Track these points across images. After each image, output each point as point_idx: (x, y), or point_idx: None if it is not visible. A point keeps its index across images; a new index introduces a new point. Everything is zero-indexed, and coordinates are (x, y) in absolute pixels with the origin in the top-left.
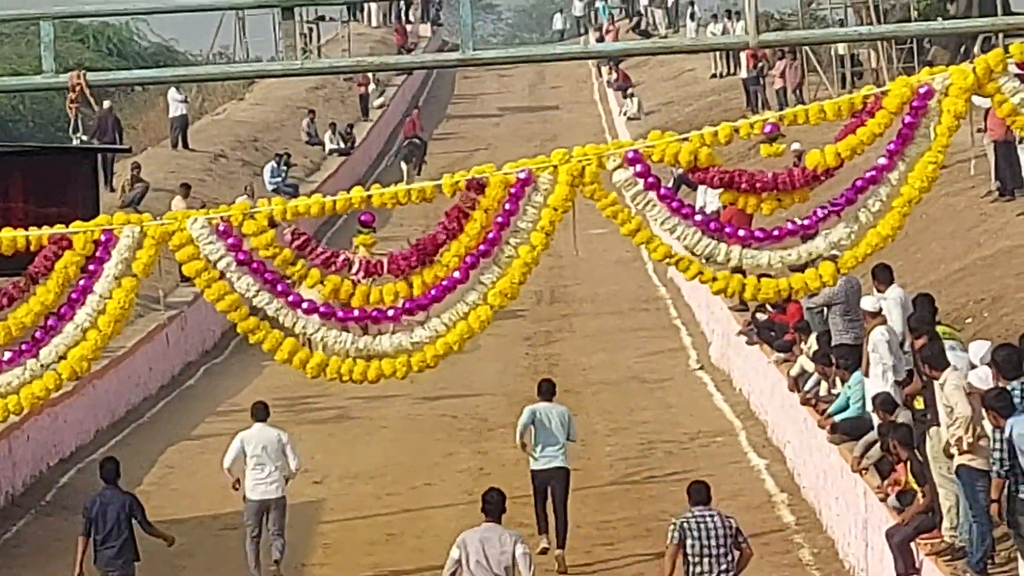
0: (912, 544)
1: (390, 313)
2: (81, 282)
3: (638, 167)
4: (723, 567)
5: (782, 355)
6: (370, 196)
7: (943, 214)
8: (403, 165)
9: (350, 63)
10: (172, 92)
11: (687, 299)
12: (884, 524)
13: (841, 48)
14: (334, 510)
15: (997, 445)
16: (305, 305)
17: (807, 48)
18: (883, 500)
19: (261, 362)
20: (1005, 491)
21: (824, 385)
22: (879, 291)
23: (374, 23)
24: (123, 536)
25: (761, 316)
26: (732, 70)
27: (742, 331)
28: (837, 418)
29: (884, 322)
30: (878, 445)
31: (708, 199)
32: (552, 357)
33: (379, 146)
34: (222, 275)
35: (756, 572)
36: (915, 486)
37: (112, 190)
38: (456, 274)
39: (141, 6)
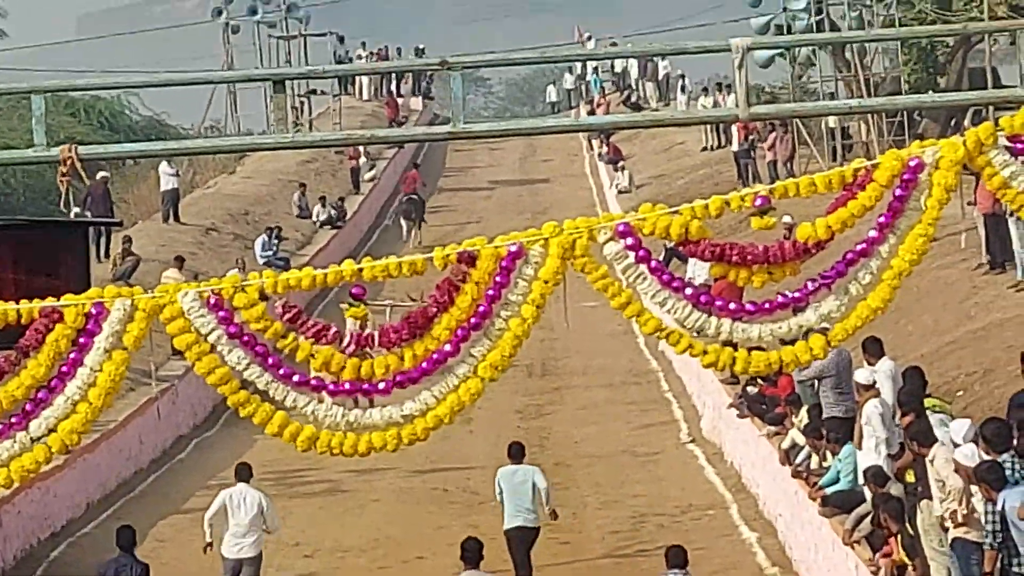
0: None
1: (381, 386)
2: (72, 355)
3: (629, 240)
4: None
5: (773, 428)
6: (361, 269)
7: (934, 287)
8: (403, 223)
9: (341, 136)
10: (163, 166)
11: (678, 372)
12: None
13: (832, 121)
14: None
15: (990, 517)
16: (296, 378)
17: (798, 121)
18: (875, 573)
19: (252, 435)
20: (998, 564)
21: (815, 458)
22: (870, 364)
23: (365, 96)
24: None
25: (752, 389)
26: (723, 143)
27: (733, 404)
28: (828, 491)
29: (878, 395)
30: (869, 518)
31: (696, 271)
32: (543, 430)
33: (370, 219)
34: (213, 348)
35: None
36: (906, 560)
37: (107, 258)
38: (447, 347)
39: (132, 80)
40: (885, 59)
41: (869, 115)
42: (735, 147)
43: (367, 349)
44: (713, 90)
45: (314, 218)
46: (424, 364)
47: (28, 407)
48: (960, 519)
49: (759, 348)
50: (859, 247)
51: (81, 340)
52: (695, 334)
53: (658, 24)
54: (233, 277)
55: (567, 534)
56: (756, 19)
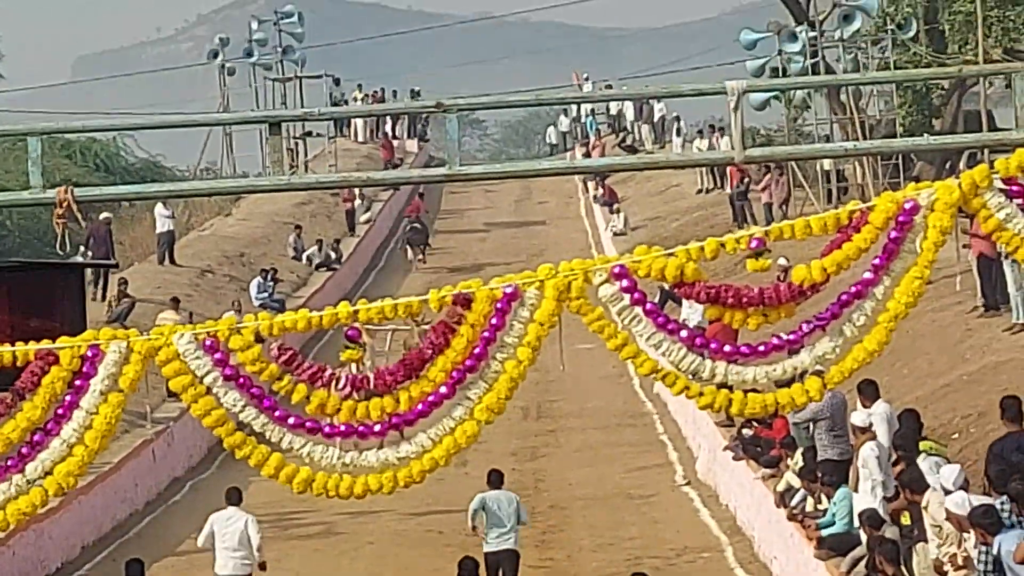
0: None
1: (376, 428)
2: (67, 398)
3: (624, 282)
4: None
5: (768, 471)
6: (356, 311)
7: (929, 329)
8: (409, 249)
9: (337, 178)
10: (159, 208)
11: (673, 414)
12: None
13: (827, 164)
14: None
15: (983, 557)
16: (292, 420)
17: (793, 164)
18: None
19: (247, 478)
20: None
21: (811, 501)
22: (865, 406)
23: (360, 138)
24: None
25: (747, 432)
26: (719, 184)
27: (728, 447)
28: (824, 533)
29: (874, 437)
30: (865, 561)
31: (690, 313)
32: (538, 472)
33: (365, 262)
34: (209, 390)
35: None
36: None
37: (104, 300)
38: (443, 389)
39: (128, 122)
40: (880, 102)
41: (864, 158)
42: (730, 190)
43: (362, 391)
44: (707, 132)
45: (305, 260)
46: (420, 406)
47: (24, 450)
48: (961, 562)
49: (754, 390)
50: (854, 289)
51: (77, 383)
52: (690, 377)
53: (654, 67)
54: (229, 319)
55: None
56: (751, 62)
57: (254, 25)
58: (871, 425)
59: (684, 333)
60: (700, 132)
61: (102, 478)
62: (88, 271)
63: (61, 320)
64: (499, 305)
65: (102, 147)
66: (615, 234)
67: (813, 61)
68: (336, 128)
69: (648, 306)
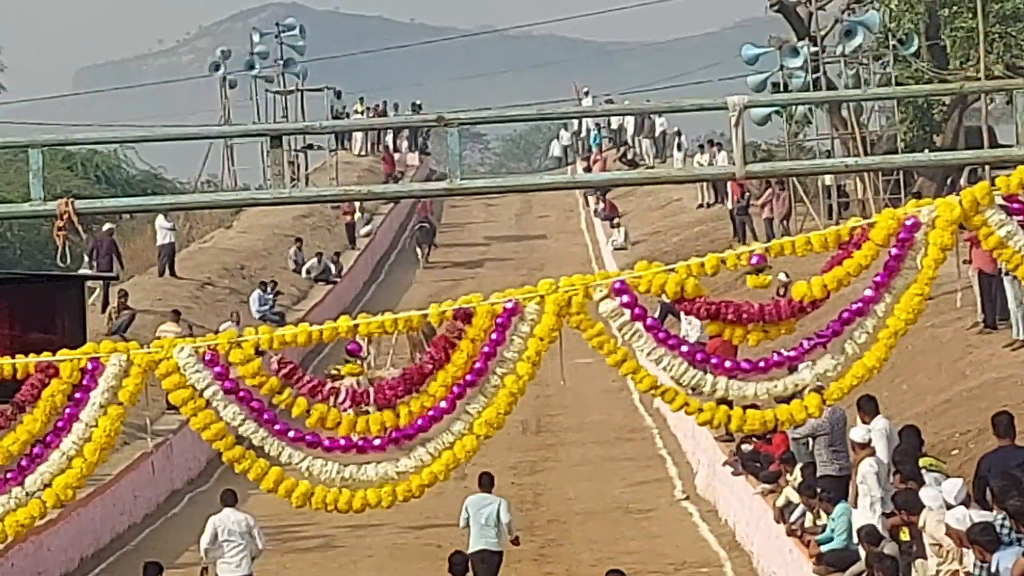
0: None
1: (376, 443)
2: (67, 410)
3: (625, 297)
4: None
5: (768, 486)
6: (356, 325)
7: (929, 345)
8: (417, 248)
9: (337, 192)
10: (160, 220)
11: (673, 429)
12: None
13: (828, 179)
14: None
15: (981, 575)
16: (291, 434)
17: (794, 179)
18: None
19: (246, 491)
20: None
21: (810, 516)
22: (864, 422)
23: (358, 151)
24: None
25: (747, 447)
26: (720, 199)
27: (728, 462)
28: (823, 549)
29: (873, 453)
30: None
31: (690, 329)
32: (537, 486)
33: (366, 275)
34: (208, 404)
35: None
36: None
37: (105, 312)
38: (442, 404)
39: (129, 135)
40: (882, 117)
41: (865, 173)
42: (730, 205)
43: (362, 406)
44: (708, 147)
45: (304, 272)
46: (419, 421)
47: (24, 462)
48: None
49: (754, 406)
50: (855, 306)
51: (77, 395)
52: (690, 392)
53: (655, 81)
54: (229, 332)
55: None
56: (753, 77)
57: (256, 38)
58: (870, 441)
59: (685, 348)
60: (701, 147)
61: (101, 490)
62: (92, 282)
63: (61, 332)
64: (499, 320)
65: (103, 159)
66: (616, 248)
67: (815, 76)
68: (337, 141)
69: (648, 321)
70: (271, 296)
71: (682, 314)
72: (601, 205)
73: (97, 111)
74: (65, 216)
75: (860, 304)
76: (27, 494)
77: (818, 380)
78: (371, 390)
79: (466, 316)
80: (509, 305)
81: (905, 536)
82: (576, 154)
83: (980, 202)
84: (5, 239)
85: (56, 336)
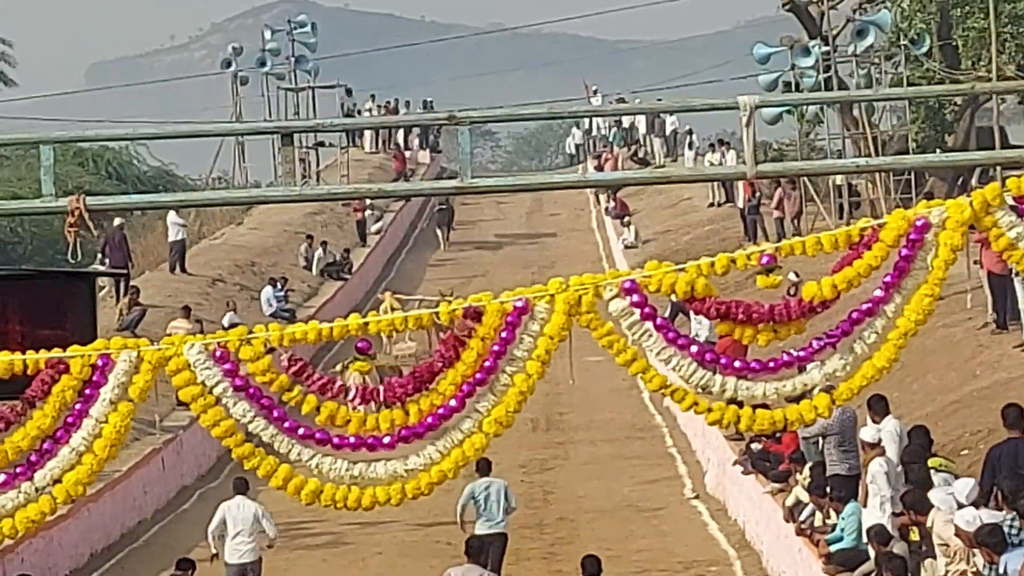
0: None
1: (385, 440)
2: (77, 406)
3: (635, 297)
4: None
5: (777, 485)
6: (367, 323)
7: (940, 345)
8: (437, 230)
9: (348, 190)
10: (172, 216)
11: (683, 428)
12: None
13: (839, 179)
14: None
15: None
16: (301, 431)
17: (805, 178)
18: None
19: (256, 487)
20: None
21: (819, 516)
22: (875, 422)
23: (368, 148)
24: None
25: (756, 446)
26: (730, 198)
27: (737, 460)
28: (832, 548)
29: (883, 453)
30: None
31: (699, 328)
32: (547, 484)
33: (376, 272)
34: (218, 400)
35: None
36: None
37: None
38: (452, 402)
39: (140, 132)
40: (893, 117)
41: (876, 173)
42: (741, 204)
43: (372, 404)
44: (719, 146)
45: (314, 265)
46: (429, 419)
47: (33, 458)
48: None
49: (764, 406)
50: (864, 306)
51: (87, 391)
52: (700, 392)
53: (667, 80)
54: (240, 330)
55: None
56: (764, 76)
57: (267, 35)
58: (880, 441)
59: (694, 348)
60: (712, 146)
61: (111, 485)
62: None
63: (72, 329)
64: (509, 318)
65: (114, 155)
66: (626, 247)
67: (826, 76)
68: (348, 138)
69: (658, 321)
70: (282, 293)
71: (692, 313)
72: (612, 203)
73: (108, 107)
74: (76, 213)
75: (870, 304)
76: (37, 490)
77: (827, 380)
78: (381, 388)
79: (476, 314)
80: (519, 304)
81: (915, 536)
82: (587, 152)
83: (991, 203)
84: (17, 235)
85: (66, 332)
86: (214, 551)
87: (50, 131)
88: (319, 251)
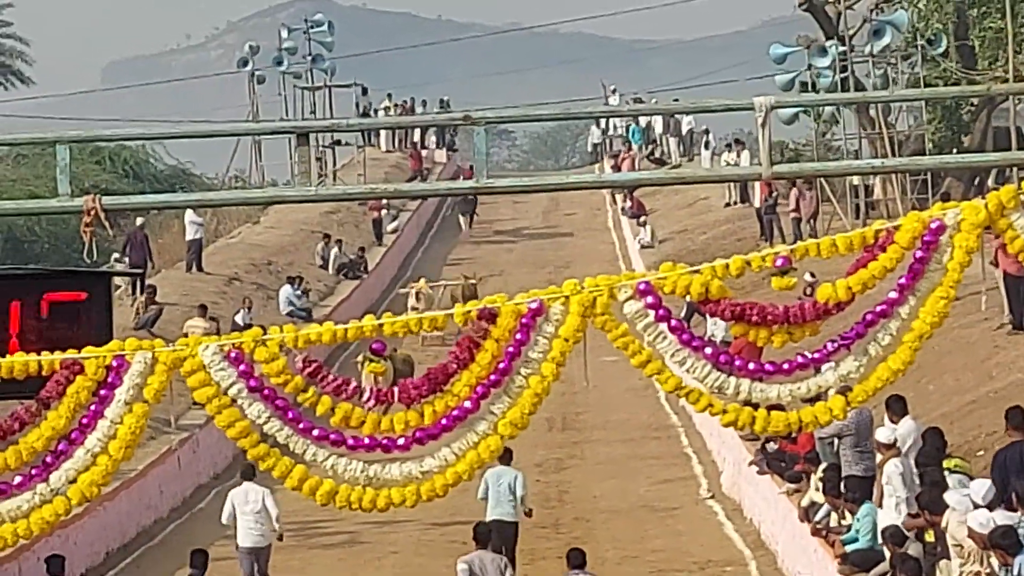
0: None
1: (400, 442)
2: (92, 407)
3: (649, 299)
4: None
5: (793, 485)
6: (381, 325)
7: (956, 346)
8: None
9: (364, 190)
10: (189, 215)
11: (698, 428)
12: None
13: (855, 179)
14: None
15: None
16: (316, 432)
17: (821, 179)
18: None
19: (271, 486)
20: None
21: (834, 516)
22: (893, 422)
23: (384, 147)
24: None
25: (772, 446)
26: (745, 199)
27: (753, 461)
28: (847, 549)
29: (898, 454)
30: None
31: (715, 328)
32: (563, 484)
33: (393, 271)
34: (233, 401)
35: None
36: None
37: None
38: (467, 404)
39: (156, 131)
40: (910, 117)
41: (892, 174)
42: (758, 204)
43: (387, 404)
44: (735, 146)
45: (331, 264)
46: (444, 420)
47: (48, 459)
48: None
49: (779, 407)
50: (879, 308)
51: (102, 392)
52: (714, 393)
53: (683, 79)
54: (255, 331)
55: None
56: (781, 76)
57: (284, 34)
58: (896, 442)
59: (709, 350)
60: (728, 145)
61: (127, 484)
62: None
63: (88, 329)
64: (524, 320)
65: (131, 154)
66: (642, 247)
67: (843, 76)
68: (364, 137)
69: (673, 323)
70: (300, 292)
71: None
72: (628, 203)
73: (125, 106)
74: (92, 212)
75: (884, 306)
76: (52, 491)
77: (841, 382)
78: (396, 389)
79: (491, 316)
80: (534, 305)
81: (930, 537)
82: (605, 152)
83: (1006, 205)
84: (34, 233)
85: (82, 332)
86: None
87: (66, 131)
88: (335, 250)
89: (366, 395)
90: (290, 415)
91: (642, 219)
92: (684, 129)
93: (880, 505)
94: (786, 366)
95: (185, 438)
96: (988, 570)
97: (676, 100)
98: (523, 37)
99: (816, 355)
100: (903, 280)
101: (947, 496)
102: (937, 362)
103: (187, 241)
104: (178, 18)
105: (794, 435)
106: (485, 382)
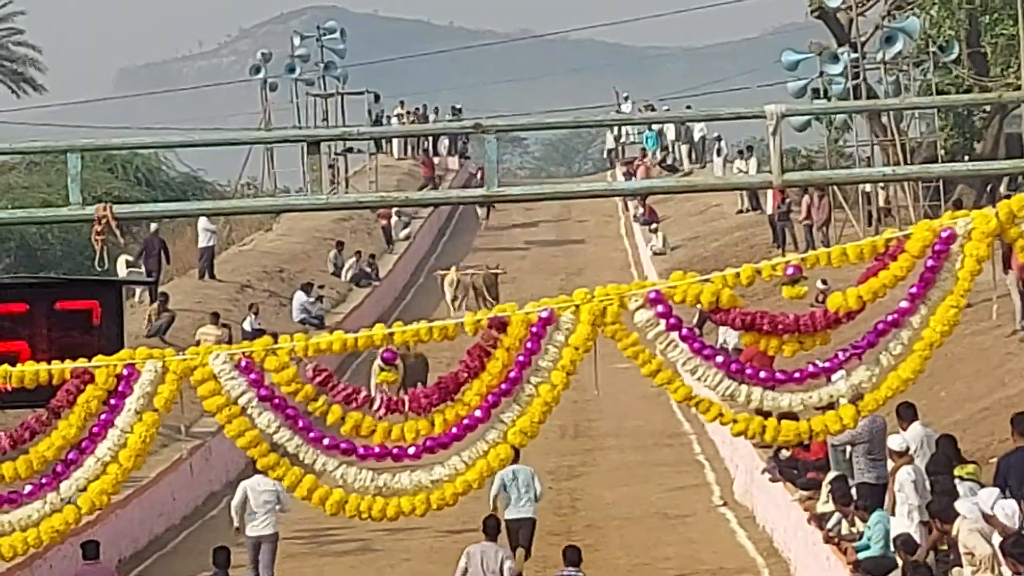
0: None
1: (411, 451)
2: (103, 416)
3: (660, 307)
4: None
5: (805, 493)
6: (392, 333)
7: (968, 353)
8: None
9: (375, 198)
10: (203, 222)
11: (711, 435)
12: None
13: (867, 186)
14: None
15: None
16: (326, 441)
17: (834, 186)
18: None
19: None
20: None
21: (845, 524)
22: (903, 429)
23: (396, 155)
24: None
25: (785, 453)
26: (756, 206)
27: (766, 468)
28: (860, 556)
29: (911, 461)
30: None
31: (728, 335)
32: (575, 491)
33: (405, 278)
34: (243, 411)
35: None
36: None
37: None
38: (477, 413)
39: (168, 140)
40: (922, 124)
41: (904, 181)
42: (771, 211)
43: (397, 413)
44: (747, 153)
45: (344, 273)
46: (454, 429)
47: (59, 468)
48: None
49: (791, 416)
50: (890, 317)
51: (112, 401)
52: (726, 402)
53: (694, 86)
54: (265, 340)
55: None
56: (793, 83)
57: (296, 41)
58: (907, 449)
59: (720, 359)
60: (740, 152)
61: (139, 492)
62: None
63: (99, 337)
64: (534, 329)
65: (144, 161)
66: (654, 254)
67: (855, 83)
68: (376, 145)
69: (684, 332)
70: (313, 299)
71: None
72: (641, 210)
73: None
74: (103, 221)
75: (895, 315)
76: (62, 500)
77: (853, 391)
78: (406, 398)
79: (501, 325)
80: (544, 314)
81: (943, 545)
82: (617, 159)
83: (1016, 214)
84: (46, 241)
85: (93, 341)
86: (236, 525)
87: (77, 139)
88: (352, 259)
89: (376, 404)
90: (300, 424)
91: (654, 226)
92: (696, 136)
93: (893, 512)
94: (797, 375)
95: (197, 446)
96: None
97: (688, 107)
98: (535, 44)
99: (827, 364)
100: (914, 289)
101: (958, 505)
102: (949, 369)
103: (200, 248)
104: (191, 25)
105: (807, 442)
106: (495, 391)
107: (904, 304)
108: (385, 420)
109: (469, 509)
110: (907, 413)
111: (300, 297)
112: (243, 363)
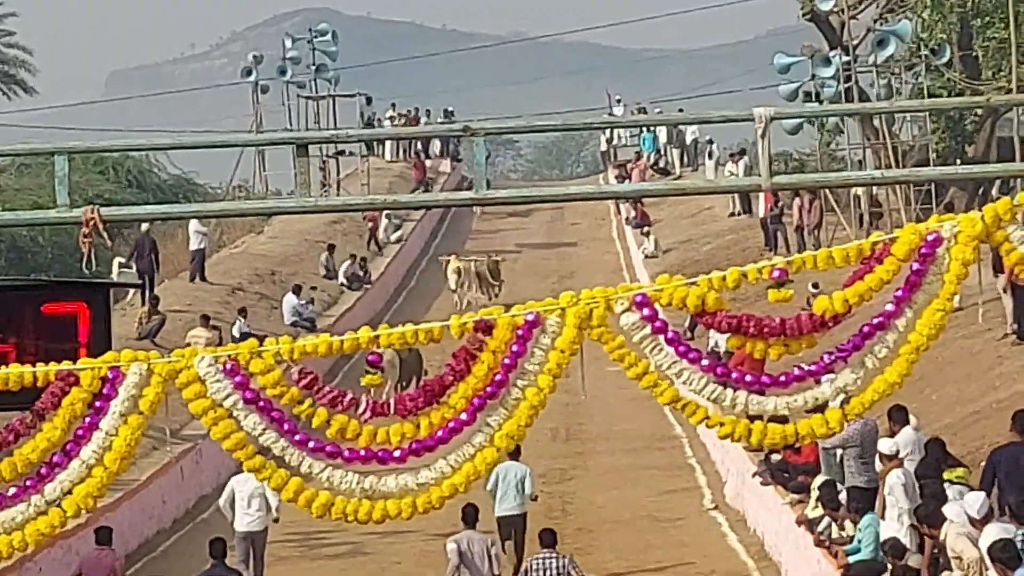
0: None
1: (396, 454)
2: (87, 419)
3: (646, 311)
4: None
5: (796, 496)
6: (377, 336)
7: (959, 356)
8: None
9: (364, 201)
10: (194, 224)
11: (702, 438)
12: None
13: (859, 189)
14: None
15: None
16: (312, 444)
17: (825, 189)
18: None
19: None
20: None
21: (835, 528)
22: (895, 432)
23: (388, 157)
24: None
25: (776, 457)
26: (747, 210)
27: (757, 472)
28: (850, 560)
29: (901, 465)
30: None
31: (719, 337)
32: (566, 495)
33: (397, 281)
34: (229, 413)
35: None
36: None
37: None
38: (463, 416)
39: (157, 142)
40: (914, 127)
41: (895, 184)
42: (763, 214)
43: (383, 416)
44: (739, 157)
45: (341, 275)
46: (440, 432)
47: (43, 470)
48: None
49: (782, 419)
50: (875, 320)
51: (97, 404)
52: (711, 405)
53: (688, 89)
54: (251, 343)
55: None
56: (784, 86)
57: (288, 43)
58: (898, 453)
59: (706, 362)
60: (732, 156)
61: (129, 495)
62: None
63: (86, 340)
64: (520, 332)
65: (135, 163)
66: (646, 256)
67: (846, 86)
68: (368, 147)
69: (669, 335)
70: (304, 301)
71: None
72: (633, 213)
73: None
74: (91, 223)
75: (881, 318)
76: (47, 503)
77: (839, 394)
78: (392, 401)
79: (487, 328)
80: (530, 317)
81: (933, 549)
82: (609, 161)
83: (1002, 218)
84: (37, 243)
85: (81, 343)
86: (230, 520)
87: (65, 141)
88: (347, 262)
89: (362, 407)
90: (286, 427)
91: (646, 229)
92: (688, 139)
93: (883, 516)
94: (783, 378)
95: (187, 448)
96: None
97: (681, 110)
98: (528, 47)
99: (813, 367)
100: (900, 292)
101: (946, 509)
102: (940, 372)
103: (191, 251)
104: (182, 28)
105: (798, 446)
106: (481, 394)
107: (890, 307)
108: (370, 423)
109: (458, 512)
110: (899, 416)
111: (291, 300)
112: (228, 366)
